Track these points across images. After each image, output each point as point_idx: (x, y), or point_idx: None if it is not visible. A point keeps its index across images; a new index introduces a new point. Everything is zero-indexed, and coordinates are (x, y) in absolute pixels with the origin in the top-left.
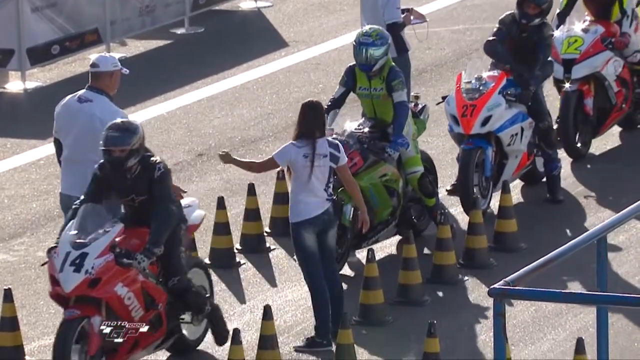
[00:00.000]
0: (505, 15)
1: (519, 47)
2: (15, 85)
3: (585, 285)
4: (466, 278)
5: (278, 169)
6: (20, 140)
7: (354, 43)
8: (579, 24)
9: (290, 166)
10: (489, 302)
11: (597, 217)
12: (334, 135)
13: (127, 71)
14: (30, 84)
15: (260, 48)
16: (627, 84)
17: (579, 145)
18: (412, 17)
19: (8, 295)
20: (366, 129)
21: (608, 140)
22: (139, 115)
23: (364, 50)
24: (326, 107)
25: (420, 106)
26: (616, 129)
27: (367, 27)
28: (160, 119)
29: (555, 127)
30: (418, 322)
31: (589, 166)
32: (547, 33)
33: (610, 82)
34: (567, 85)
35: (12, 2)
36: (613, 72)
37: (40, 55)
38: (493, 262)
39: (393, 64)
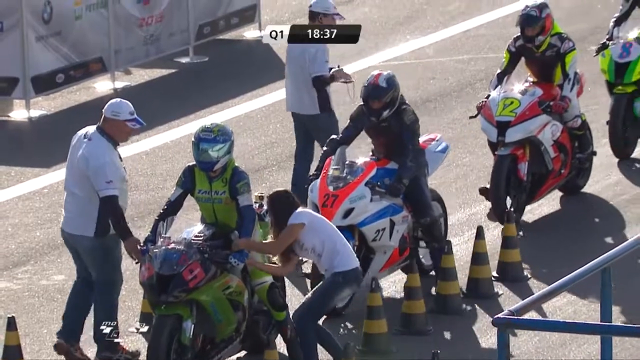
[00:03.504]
0: (355, 109)
1: (383, 135)
2: (19, 113)
3: (589, 316)
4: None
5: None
6: (24, 168)
7: (193, 139)
8: (519, 84)
9: (310, 222)
10: (493, 332)
11: (601, 247)
12: (172, 245)
13: (136, 126)
14: (35, 113)
15: (264, 77)
16: (565, 149)
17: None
18: (339, 77)
19: (12, 323)
20: (207, 237)
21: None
22: (143, 144)
23: (204, 148)
24: (161, 211)
25: (265, 207)
26: (557, 194)
27: (209, 123)
28: (165, 148)
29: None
30: (422, 351)
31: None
32: (407, 119)
33: (546, 147)
34: (500, 149)
35: (17, 30)
36: (550, 136)
37: (44, 84)
38: (497, 292)
39: (236, 164)
